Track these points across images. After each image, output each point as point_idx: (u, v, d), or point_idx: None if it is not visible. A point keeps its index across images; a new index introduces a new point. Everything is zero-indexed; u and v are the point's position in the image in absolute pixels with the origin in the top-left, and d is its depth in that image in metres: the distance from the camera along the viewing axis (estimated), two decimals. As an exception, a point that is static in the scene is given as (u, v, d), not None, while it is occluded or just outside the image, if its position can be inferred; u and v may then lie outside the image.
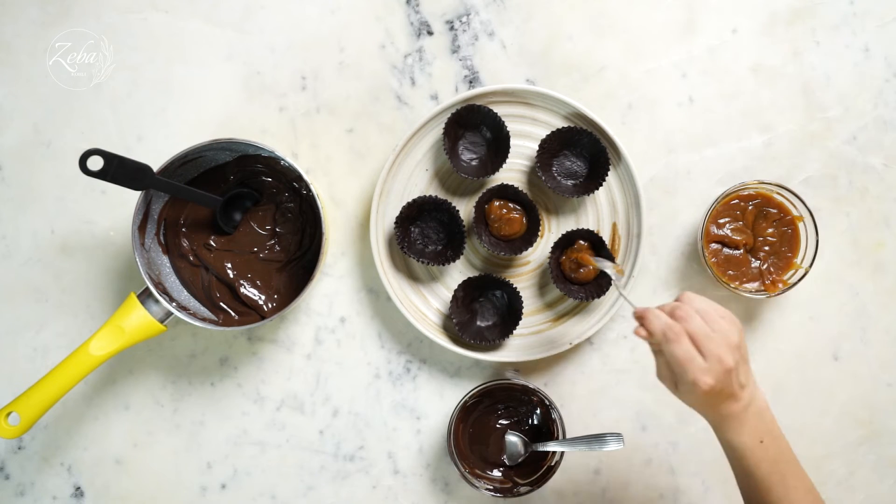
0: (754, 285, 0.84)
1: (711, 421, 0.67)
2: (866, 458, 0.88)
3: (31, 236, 0.89)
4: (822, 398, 0.89)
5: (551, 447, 0.82)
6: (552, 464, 0.82)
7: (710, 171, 0.88)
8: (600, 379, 0.89)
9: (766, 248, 0.85)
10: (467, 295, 0.85)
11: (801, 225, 0.84)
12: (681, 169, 0.88)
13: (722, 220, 0.84)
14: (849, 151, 0.88)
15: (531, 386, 0.82)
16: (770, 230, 0.84)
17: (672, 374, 0.66)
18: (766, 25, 0.88)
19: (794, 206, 0.83)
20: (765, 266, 0.85)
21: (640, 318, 0.67)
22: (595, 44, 0.88)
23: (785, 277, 0.84)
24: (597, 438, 0.81)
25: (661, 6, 0.88)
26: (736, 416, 0.66)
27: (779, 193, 0.83)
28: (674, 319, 0.65)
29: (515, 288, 0.83)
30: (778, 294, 0.82)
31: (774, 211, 0.84)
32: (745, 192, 0.84)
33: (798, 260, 0.84)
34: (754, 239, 0.84)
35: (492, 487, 0.82)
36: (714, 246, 0.85)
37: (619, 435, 0.80)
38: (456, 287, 0.84)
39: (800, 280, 0.82)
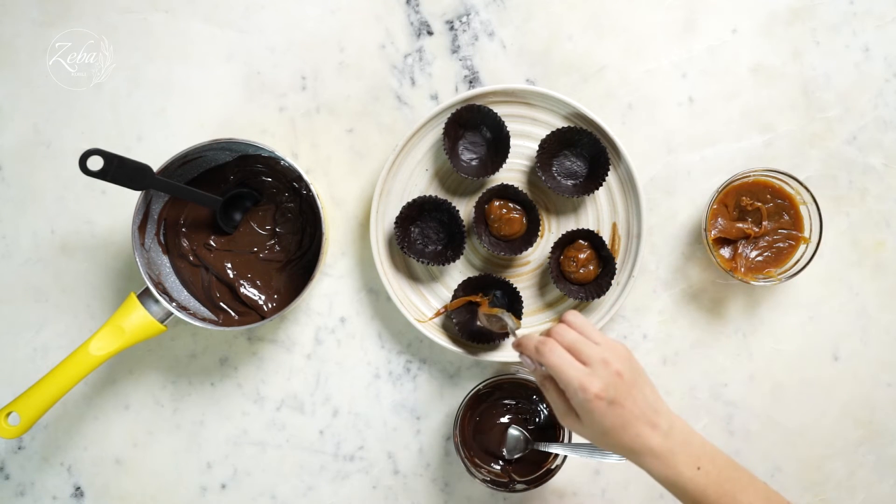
0: (759, 275, 0.84)
1: (640, 462, 0.63)
2: (866, 458, 0.88)
3: (31, 236, 0.89)
4: (822, 398, 0.89)
5: (552, 448, 0.82)
6: (552, 466, 0.82)
7: (710, 171, 0.88)
8: (600, 379, 0.88)
9: (769, 236, 0.84)
10: (467, 295, 0.85)
11: (803, 209, 0.84)
12: (681, 169, 0.88)
13: (725, 209, 0.84)
14: (849, 151, 0.88)
15: None
16: (774, 216, 0.84)
17: (566, 402, 0.63)
18: (765, 25, 0.88)
19: (799, 194, 0.83)
20: (769, 253, 0.85)
21: (516, 345, 0.66)
22: (595, 44, 0.88)
23: (791, 261, 0.83)
24: (600, 448, 0.80)
25: (661, 6, 0.88)
26: (662, 448, 0.62)
27: (782, 181, 0.83)
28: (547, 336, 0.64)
29: (515, 288, 0.83)
30: (785, 277, 0.82)
31: (779, 200, 0.84)
32: (749, 180, 0.84)
33: (806, 234, 0.83)
34: (758, 226, 0.84)
35: (489, 479, 0.82)
36: (717, 234, 0.84)
37: None
38: (456, 287, 0.84)
39: (808, 263, 0.82)
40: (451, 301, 0.84)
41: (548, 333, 0.65)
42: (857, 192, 0.88)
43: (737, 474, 0.64)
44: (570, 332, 0.64)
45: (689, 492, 0.63)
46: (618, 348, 0.63)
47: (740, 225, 0.84)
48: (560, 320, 0.67)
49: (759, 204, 0.84)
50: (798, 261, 0.83)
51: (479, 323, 0.82)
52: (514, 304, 0.84)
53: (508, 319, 0.77)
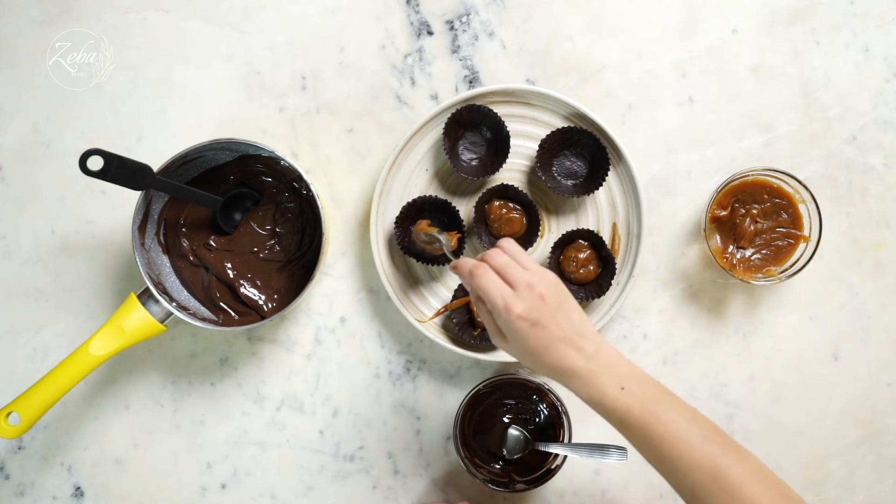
0: (759, 274, 0.84)
1: (565, 382, 0.64)
2: (866, 458, 0.88)
3: (31, 236, 0.89)
4: (822, 398, 0.89)
5: (552, 448, 0.82)
6: (552, 467, 0.82)
7: (710, 171, 0.88)
8: (600, 379, 0.88)
9: (767, 234, 0.84)
10: (467, 295, 0.84)
11: (802, 208, 0.84)
12: (681, 169, 0.88)
13: (725, 207, 0.84)
14: (849, 151, 0.88)
15: (545, 386, 0.82)
16: (771, 216, 0.84)
17: (495, 322, 0.65)
18: (766, 25, 0.88)
19: (798, 192, 0.83)
20: (767, 251, 0.85)
21: (453, 267, 0.68)
22: (595, 44, 0.88)
23: (791, 260, 0.84)
24: (600, 448, 0.80)
25: (661, 6, 0.88)
26: (585, 369, 0.63)
27: (781, 180, 0.83)
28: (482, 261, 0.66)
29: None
30: (786, 276, 0.82)
31: (777, 199, 0.84)
32: (749, 180, 0.84)
33: (805, 232, 0.83)
34: (756, 225, 0.84)
35: (489, 479, 0.82)
36: (716, 233, 0.84)
37: (623, 449, 0.79)
38: (456, 287, 0.84)
39: (808, 262, 0.82)
40: (452, 301, 0.84)
41: (481, 256, 0.67)
42: (857, 192, 0.88)
43: (662, 395, 0.64)
44: (501, 256, 0.66)
45: (614, 411, 0.63)
46: (546, 274, 0.65)
47: (739, 223, 0.84)
48: (495, 246, 0.69)
49: (756, 206, 0.84)
50: (798, 260, 0.83)
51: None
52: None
53: (443, 238, 0.77)
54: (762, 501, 0.61)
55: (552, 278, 0.65)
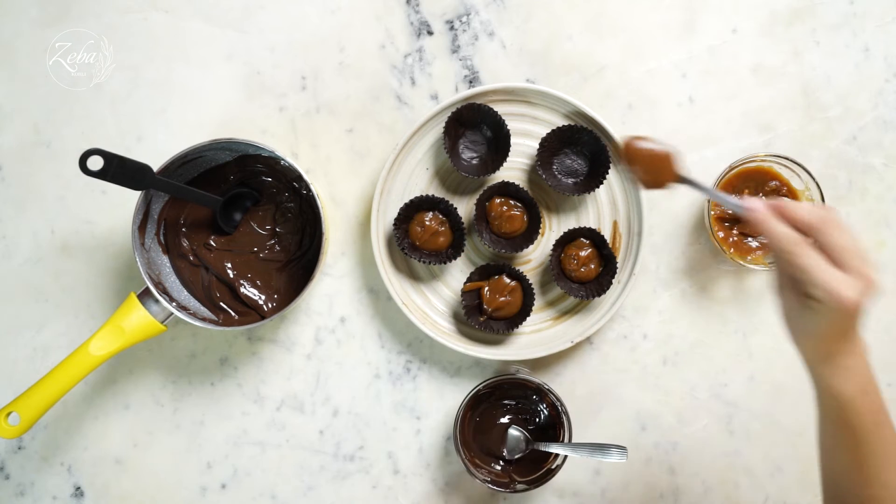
0: (749, 256, 0.84)
1: (819, 365, 0.61)
2: (866, 457, 0.88)
3: (31, 236, 0.89)
4: (823, 398, 0.88)
5: (553, 448, 0.82)
6: (552, 467, 0.82)
7: (710, 171, 0.88)
8: (600, 379, 0.88)
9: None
10: (481, 279, 0.84)
11: (804, 196, 0.84)
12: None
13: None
14: (849, 151, 0.88)
15: (545, 387, 0.82)
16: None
17: (796, 288, 0.58)
18: (766, 25, 0.88)
19: (800, 177, 0.83)
20: (766, 239, 0.85)
21: (749, 210, 0.59)
22: (595, 44, 0.88)
23: None
24: (600, 448, 0.80)
25: (661, 6, 0.88)
26: (848, 360, 0.60)
27: (790, 169, 0.83)
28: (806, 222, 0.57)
29: (530, 283, 0.83)
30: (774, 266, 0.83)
31: (778, 184, 0.84)
32: (752, 166, 0.84)
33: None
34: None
35: (489, 479, 0.82)
36: (719, 221, 0.85)
37: (623, 448, 0.79)
38: (472, 271, 0.84)
39: None
40: (465, 283, 0.84)
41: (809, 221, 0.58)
42: (857, 192, 0.88)
43: (887, 412, 0.62)
44: (843, 234, 0.57)
45: (847, 411, 0.61)
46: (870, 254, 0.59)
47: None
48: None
49: (760, 196, 0.84)
50: None
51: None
52: (525, 298, 0.84)
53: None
54: None
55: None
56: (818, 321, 0.59)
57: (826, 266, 0.56)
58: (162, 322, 0.79)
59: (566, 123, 0.85)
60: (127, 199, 0.85)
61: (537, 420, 0.86)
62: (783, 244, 0.57)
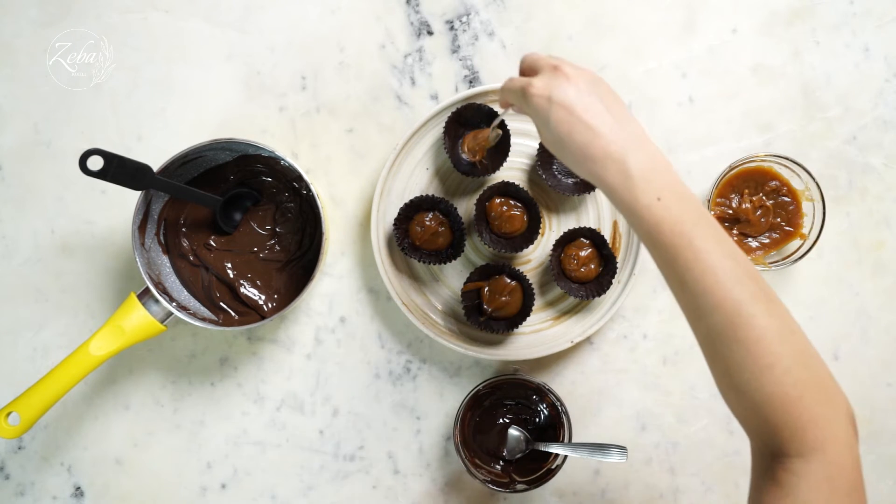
0: (762, 263, 0.84)
1: (597, 177, 0.57)
2: (866, 458, 0.88)
3: (31, 236, 0.89)
4: (823, 398, 0.88)
5: (553, 448, 0.82)
6: (552, 467, 0.82)
7: (710, 170, 0.88)
8: (600, 379, 0.89)
9: (765, 219, 0.85)
10: (481, 279, 0.84)
11: (807, 205, 0.84)
12: (681, 169, 0.88)
13: (727, 195, 0.85)
14: (849, 151, 0.88)
15: (545, 387, 0.82)
16: (771, 203, 0.84)
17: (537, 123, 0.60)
18: (766, 25, 0.88)
19: (799, 177, 0.83)
20: (766, 239, 0.85)
21: (502, 98, 0.65)
22: (595, 44, 0.88)
23: (786, 250, 0.84)
24: (600, 448, 0.80)
25: (661, 6, 0.88)
26: (623, 165, 0.55)
27: (784, 166, 0.83)
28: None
29: (530, 283, 0.83)
30: (780, 266, 0.83)
31: (783, 197, 0.84)
32: (752, 166, 0.84)
33: (805, 231, 0.84)
34: (756, 212, 0.84)
35: (489, 480, 0.82)
36: (719, 221, 0.85)
37: (623, 448, 0.79)
38: (472, 271, 0.84)
39: (807, 252, 0.82)
40: (465, 283, 0.84)
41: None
42: (857, 192, 0.88)
43: (702, 220, 0.55)
44: (533, 55, 0.63)
45: (644, 222, 0.56)
46: (581, 67, 0.58)
47: (741, 210, 0.85)
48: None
49: (760, 196, 0.84)
50: (793, 254, 0.83)
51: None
52: (525, 298, 0.84)
53: (499, 109, 0.80)
54: (778, 365, 0.53)
55: (587, 70, 0.58)
56: (544, 125, 0.59)
57: (517, 77, 0.62)
58: (162, 322, 0.79)
59: (566, 123, 0.85)
60: (127, 199, 0.85)
61: (537, 420, 0.86)
62: (502, 88, 0.64)
